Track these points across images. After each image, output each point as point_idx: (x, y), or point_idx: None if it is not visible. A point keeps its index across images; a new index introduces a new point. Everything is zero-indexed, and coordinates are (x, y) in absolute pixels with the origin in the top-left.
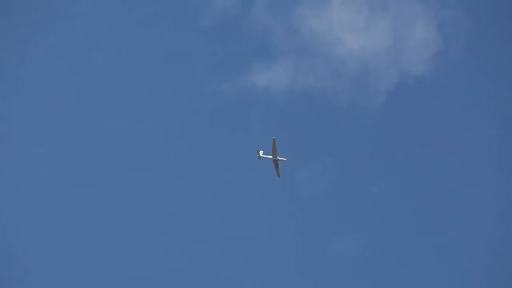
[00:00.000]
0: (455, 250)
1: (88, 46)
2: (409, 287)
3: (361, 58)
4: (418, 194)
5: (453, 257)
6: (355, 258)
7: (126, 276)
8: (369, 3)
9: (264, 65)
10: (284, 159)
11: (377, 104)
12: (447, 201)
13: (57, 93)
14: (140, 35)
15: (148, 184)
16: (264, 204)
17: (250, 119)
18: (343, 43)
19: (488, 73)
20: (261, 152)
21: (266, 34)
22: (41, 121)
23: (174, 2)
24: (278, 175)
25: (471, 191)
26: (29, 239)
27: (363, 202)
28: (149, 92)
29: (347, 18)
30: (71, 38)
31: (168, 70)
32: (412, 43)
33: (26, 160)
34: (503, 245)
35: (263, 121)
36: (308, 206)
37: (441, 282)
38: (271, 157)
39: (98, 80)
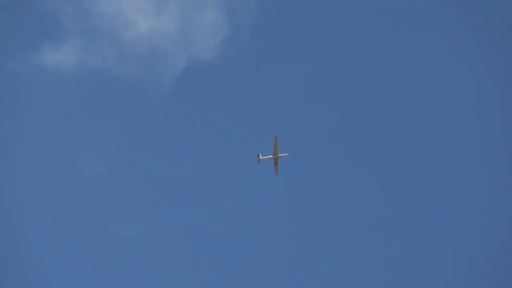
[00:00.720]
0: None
1: None
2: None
3: (150, 41)
4: (205, 176)
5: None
6: (134, 239)
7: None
8: None
9: (53, 46)
10: (285, 154)
11: (165, 88)
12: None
13: None
14: None
15: None
16: (49, 185)
17: (39, 99)
18: (133, 26)
19: (277, 57)
20: (260, 155)
21: (56, 14)
22: None
23: None
24: (277, 172)
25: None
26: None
27: (145, 184)
28: None
29: (138, 1)
30: None
31: None
32: (202, 28)
33: None
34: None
35: (51, 101)
36: (92, 187)
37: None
38: (271, 156)
39: None
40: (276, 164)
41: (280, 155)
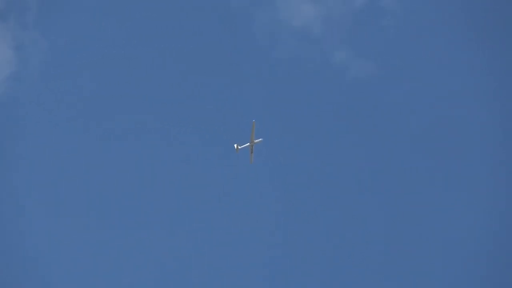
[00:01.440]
0: None
1: None
2: None
3: None
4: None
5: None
6: None
7: None
8: None
9: None
10: (260, 139)
11: None
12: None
13: None
14: None
15: None
16: None
17: None
18: None
19: (67, 93)
20: (238, 146)
21: None
22: None
23: None
24: (251, 161)
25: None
26: None
27: None
28: None
29: None
30: None
31: None
32: None
33: None
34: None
35: None
36: None
37: None
38: (248, 144)
39: None
40: (251, 152)
41: (256, 141)
